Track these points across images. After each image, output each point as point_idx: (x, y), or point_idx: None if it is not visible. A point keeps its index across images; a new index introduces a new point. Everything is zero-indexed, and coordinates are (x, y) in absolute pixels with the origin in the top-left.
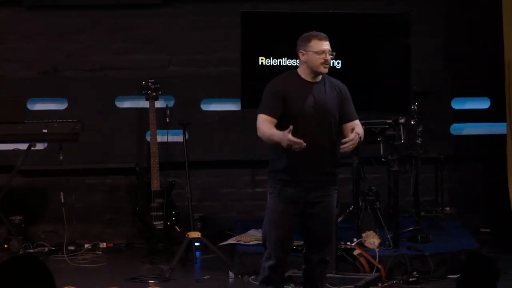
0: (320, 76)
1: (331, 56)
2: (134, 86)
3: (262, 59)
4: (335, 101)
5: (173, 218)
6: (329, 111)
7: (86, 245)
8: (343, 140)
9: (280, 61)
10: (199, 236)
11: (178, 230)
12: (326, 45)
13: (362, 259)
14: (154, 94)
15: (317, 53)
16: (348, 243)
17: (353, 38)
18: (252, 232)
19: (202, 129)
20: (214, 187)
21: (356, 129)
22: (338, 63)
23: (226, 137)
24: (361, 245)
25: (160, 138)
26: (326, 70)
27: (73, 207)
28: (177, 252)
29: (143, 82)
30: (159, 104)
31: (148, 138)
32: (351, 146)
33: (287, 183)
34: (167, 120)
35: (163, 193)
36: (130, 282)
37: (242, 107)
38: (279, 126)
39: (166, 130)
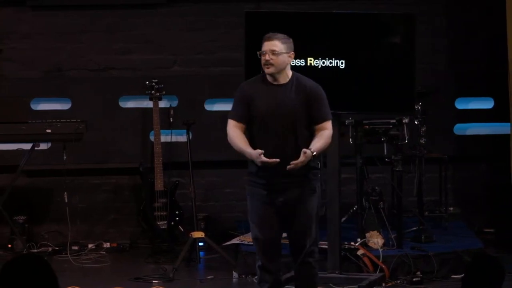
0: (288, 77)
1: (273, 56)
2: (137, 86)
3: None
4: (300, 102)
5: (177, 218)
6: (292, 114)
7: (90, 245)
8: (291, 163)
9: None
10: (203, 236)
11: (182, 230)
12: (267, 46)
13: (365, 259)
14: (157, 94)
15: (261, 54)
16: (352, 243)
17: (357, 38)
18: None
19: (205, 129)
20: (218, 187)
21: (313, 143)
22: (342, 63)
23: None
24: (364, 245)
25: (164, 138)
26: (269, 71)
27: (77, 207)
28: (181, 252)
29: (147, 82)
30: (162, 104)
31: (152, 138)
32: (299, 165)
33: (259, 185)
34: (171, 120)
35: (167, 193)
36: (134, 282)
37: None
38: (248, 130)
39: (169, 130)
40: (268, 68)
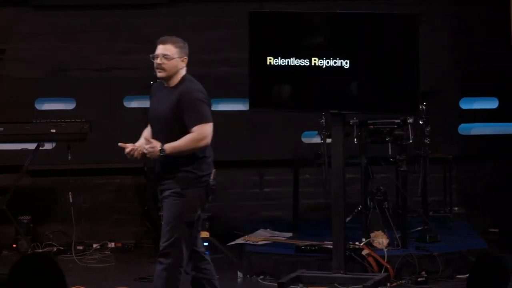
0: (178, 81)
1: (165, 60)
2: (141, 86)
3: (270, 59)
4: (170, 108)
5: None
6: (160, 118)
7: (94, 245)
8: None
9: (288, 61)
10: (208, 236)
11: None
12: (160, 49)
13: (370, 259)
14: None
15: (153, 57)
16: (357, 243)
17: (361, 38)
18: (261, 232)
19: None
20: (222, 187)
21: (153, 142)
22: (346, 63)
23: (234, 137)
24: (369, 245)
25: None
26: (160, 75)
27: (81, 207)
28: None
29: (151, 82)
30: None
31: None
32: (135, 154)
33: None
34: None
35: None
36: (138, 282)
37: (250, 107)
38: None
39: None
40: (159, 72)
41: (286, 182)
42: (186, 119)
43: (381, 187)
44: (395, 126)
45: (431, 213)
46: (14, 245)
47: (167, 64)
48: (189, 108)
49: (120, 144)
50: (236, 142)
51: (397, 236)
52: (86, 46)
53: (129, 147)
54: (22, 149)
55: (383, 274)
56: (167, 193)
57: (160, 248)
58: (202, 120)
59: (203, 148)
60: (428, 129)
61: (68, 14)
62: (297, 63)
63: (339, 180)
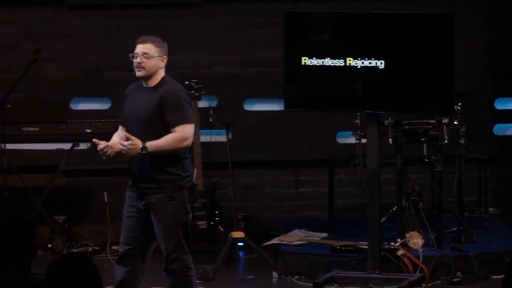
0: (158, 81)
1: (145, 59)
2: None
3: (305, 59)
4: (152, 108)
5: (217, 218)
6: (141, 119)
7: None
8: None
9: (323, 61)
10: (243, 236)
11: (222, 230)
12: (139, 48)
13: (405, 260)
14: (197, 94)
15: (133, 56)
16: (392, 243)
17: (396, 38)
18: (296, 232)
19: (245, 129)
20: (257, 187)
21: (134, 139)
22: (381, 63)
23: (269, 137)
24: (404, 245)
25: (203, 138)
26: (139, 74)
27: (116, 207)
28: (221, 252)
29: (186, 82)
30: (202, 104)
31: None
32: (108, 152)
33: (129, 187)
34: (210, 120)
35: (207, 193)
36: None
37: (285, 107)
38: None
39: (209, 130)
40: (139, 71)
41: (321, 182)
42: (169, 119)
43: (416, 188)
44: (430, 126)
45: (466, 213)
46: (49, 245)
47: (147, 63)
48: (173, 107)
49: (94, 140)
50: (270, 142)
51: (432, 236)
52: (120, 46)
53: (102, 144)
54: (57, 149)
55: (418, 275)
56: (155, 198)
57: (166, 256)
58: (185, 121)
59: (186, 149)
60: (463, 129)
61: (103, 13)
62: (332, 63)
63: (374, 180)
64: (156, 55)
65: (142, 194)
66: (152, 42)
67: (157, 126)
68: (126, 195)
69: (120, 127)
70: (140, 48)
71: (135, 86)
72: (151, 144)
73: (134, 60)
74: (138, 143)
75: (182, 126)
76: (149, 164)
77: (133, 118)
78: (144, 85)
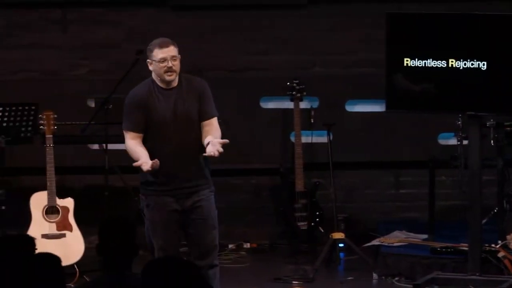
0: (177, 80)
1: (174, 62)
2: (278, 86)
3: (407, 60)
4: (195, 103)
5: (317, 219)
6: (189, 116)
7: (230, 246)
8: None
9: (425, 62)
10: (343, 237)
11: (322, 231)
12: (166, 52)
13: (506, 262)
14: (298, 94)
15: (159, 61)
16: (493, 245)
17: (499, 39)
18: (396, 233)
19: (346, 130)
20: (358, 188)
21: (214, 139)
22: (484, 64)
23: (370, 138)
24: (505, 247)
25: (304, 139)
26: (171, 78)
27: (216, 208)
28: (321, 253)
29: (288, 83)
30: (303, 105)
31: (292, 139)
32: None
33: (162, 192)
34: (312, 121)
35: (307, 194)
36: (273, 283)
37: (387, 108)
38: (146, 136)
39: (310, 131)
40: (170, 75)
41: (422, 184)
42: (205, 110)
43: None
44: None
45: None
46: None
47: (176, 65)
48: (207, 98)
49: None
50: (371, 143)
51: None
52: (221, 47)
53: (156, 162)
54: None
55: None
56: (203, 194)
57: (209, 248)
58: (216, 112)
59: None
60: None
61: (204, 14)
62: (434, 64)
63: (475, 182)
64: (179, 55)
65: (189, 194)
66: (173, 44)
67: (197, 121)
68: (153, 202)
69: (134, 135)
70: (167, 52)
71: (145, 91)
72: (219, 141)
73: (162, 65)
74: (222, 141)
75: (216, 117)
76: (197, 161)
77: (170, 120)
78: (166, 87)
